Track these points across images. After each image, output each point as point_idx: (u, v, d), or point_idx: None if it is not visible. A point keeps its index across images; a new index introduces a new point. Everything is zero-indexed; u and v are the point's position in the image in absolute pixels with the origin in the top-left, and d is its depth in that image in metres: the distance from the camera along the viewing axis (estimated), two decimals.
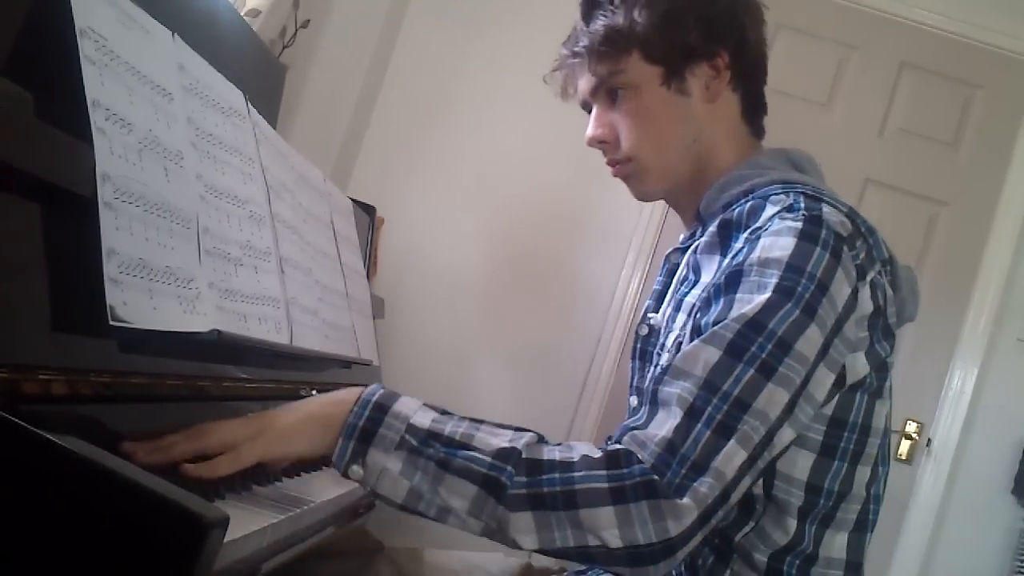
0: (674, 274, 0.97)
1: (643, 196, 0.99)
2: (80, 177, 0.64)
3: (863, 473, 0.84)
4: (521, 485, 0.71)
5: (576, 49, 0.94)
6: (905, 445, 2.27)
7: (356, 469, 0.72)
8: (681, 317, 0.87)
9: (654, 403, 0.77)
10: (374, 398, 0.75)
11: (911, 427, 2.26)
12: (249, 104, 0.96)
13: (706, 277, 0.85)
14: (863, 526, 0.86)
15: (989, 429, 2.25)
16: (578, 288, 2.38)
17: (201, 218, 0.77)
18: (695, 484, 0.71)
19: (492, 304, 2.37)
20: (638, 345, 0.97)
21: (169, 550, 0.50)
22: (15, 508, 0.51)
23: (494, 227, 2.39)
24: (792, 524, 0.82)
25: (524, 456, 0.73)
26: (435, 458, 0.72)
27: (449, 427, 0.74)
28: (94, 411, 0.66)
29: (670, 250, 1.00)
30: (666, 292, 0.97)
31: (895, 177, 2.34)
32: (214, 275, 0.78)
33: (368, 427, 0.73)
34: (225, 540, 0.53)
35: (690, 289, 0.88)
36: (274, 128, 1.09)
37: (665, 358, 0.88)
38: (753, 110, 0.98)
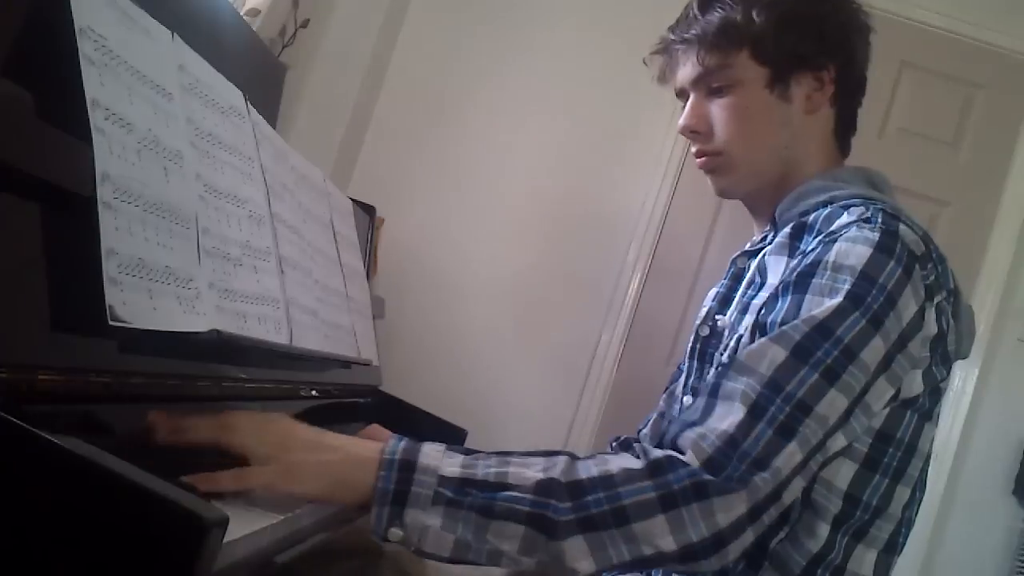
0: (740, 277, 0.97)
1: (724, 192, 0.99)
2: (79, 177, 0.63)
3: (903, 493, 0.84)
4: (568, 511, 0.71)
5: (687, 36, 0.94)
6: None
7: (396, 532, 0.71)
8: (748, 319, 0.87)
9: (713, 396, 0.77)
10: (397, 456, 0.73)
11: None
12: (249, 104, 0.96)
13: (772, 279, 0.86)
14: (892, 548, 0.85)
15: (990, 429, 2.25)
16: (578, 288, 2.38)
17: (200, 218, 0.77)
18: (753, 478, 0.72)
19: (491, 303, 2.38)
20: (698, 345, 0.97)
21: (169, 550, 0.50)
22: (13, 508, 0.50)
23: (493, 227, 2.39)
24: (825, 530, 0.81)
25: (564, 482, 0.72)
26: (475, 506, 0.71)
27: (481, 470, 0.73)
28: (93, 411, 0.66)
29: (737, 253, 1.00)
30: (730, 295, 0.97)
31: (895, 177, 2.28)
32: (213, 275, 0.78)
33: (400, 488, 0.71)
34: (225, 540, 0.53)
35: (757, 292, 0.88)
36: (274, 128, 1.09)
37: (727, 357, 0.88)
38: (845, 129, 0.99)
